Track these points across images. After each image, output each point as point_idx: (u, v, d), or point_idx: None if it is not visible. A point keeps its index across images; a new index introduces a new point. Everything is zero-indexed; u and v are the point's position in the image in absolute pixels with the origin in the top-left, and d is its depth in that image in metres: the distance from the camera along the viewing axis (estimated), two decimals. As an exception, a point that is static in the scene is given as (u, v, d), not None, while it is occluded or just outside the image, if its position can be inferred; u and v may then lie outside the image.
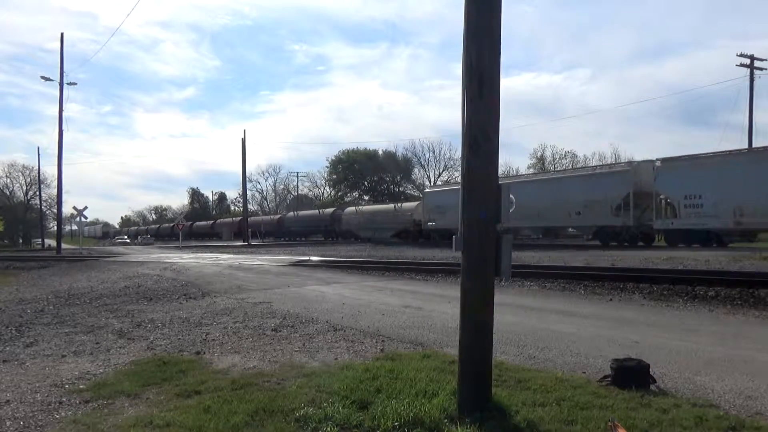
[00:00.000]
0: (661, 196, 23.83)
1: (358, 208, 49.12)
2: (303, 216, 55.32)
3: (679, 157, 24.67)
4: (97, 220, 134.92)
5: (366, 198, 70.08)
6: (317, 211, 55.43)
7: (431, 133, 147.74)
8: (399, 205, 43.15)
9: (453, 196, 32.83)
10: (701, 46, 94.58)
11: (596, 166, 34.65)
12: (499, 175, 4.12)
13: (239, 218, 62.02)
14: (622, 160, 45.09)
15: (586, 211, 26.11)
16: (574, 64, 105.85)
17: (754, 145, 33.82)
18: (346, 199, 70.38)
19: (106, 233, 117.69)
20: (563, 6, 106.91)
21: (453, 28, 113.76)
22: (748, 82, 36.97)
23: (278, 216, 59.26)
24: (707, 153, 24.15)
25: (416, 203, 40.51)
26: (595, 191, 25.71)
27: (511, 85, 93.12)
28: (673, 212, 23.40)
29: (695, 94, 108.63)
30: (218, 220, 78.23)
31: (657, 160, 25.13)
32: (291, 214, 58.32)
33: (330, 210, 52.05)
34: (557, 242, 30.43)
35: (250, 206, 69.93)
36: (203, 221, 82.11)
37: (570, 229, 29.62)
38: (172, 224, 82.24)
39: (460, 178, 4.00)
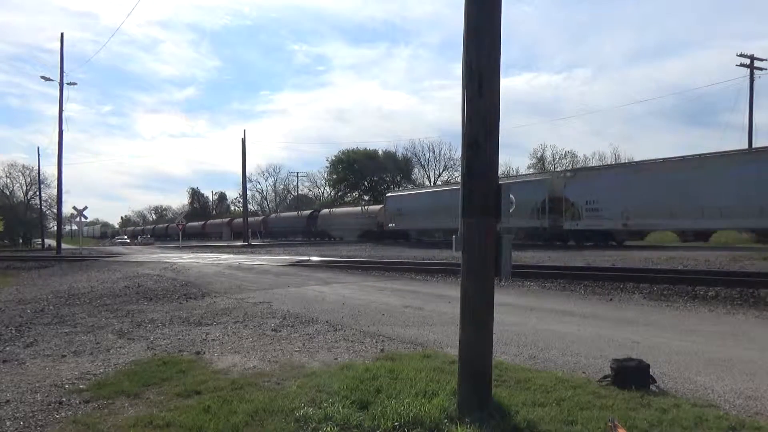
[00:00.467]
0: (569, 201, 27.42)
1: (331, 210, 52.75)
2: (284, 217, 59.60)
3: (583, 168, 30.88)
4: (97, 220, 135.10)
5: (366, 198, 70.09)
6: (296, 213, 59.55)
7: (431, 133, 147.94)
8: (366, 208, 47.71)
9: (411, 200, 39.52)
10: (701, 46, 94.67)
11: (521, 176, 39.46)
12: (500, 175, 4.11)
13: (228, 219, 65.14)
14: (623, 160, 47.77)
15: (516, 213, 29.06)
16: (574, 64, 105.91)
17: (754, 145, 33.90)
18: (346, 199, 70.42)
19: (104, 233, 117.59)
20: (563, 6, 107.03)
21: (453, 28, 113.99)
22: (748, 82, 37.04)
23: (262, 217, 63.47)
24: (604, 165, 29.60)
25: (380, 207, 43.69)
26: (519, 197, 28.53)
27: (511, 85, 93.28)
28: (578, 215, 26.96)
29: (695, 94, 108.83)
30: (208, 221, 77.84)
31: (569, 170, 30.27)
32: (273, 216, 62.94)
33: (308, 212, 56.22)
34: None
35: (250, 206, 70.04)
36: (194, 222, 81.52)
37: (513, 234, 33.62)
38: (166, 225, 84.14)
39: (460, 178, 4.00)
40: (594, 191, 26.19)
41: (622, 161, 43.68)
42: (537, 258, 17.87)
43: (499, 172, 4.19)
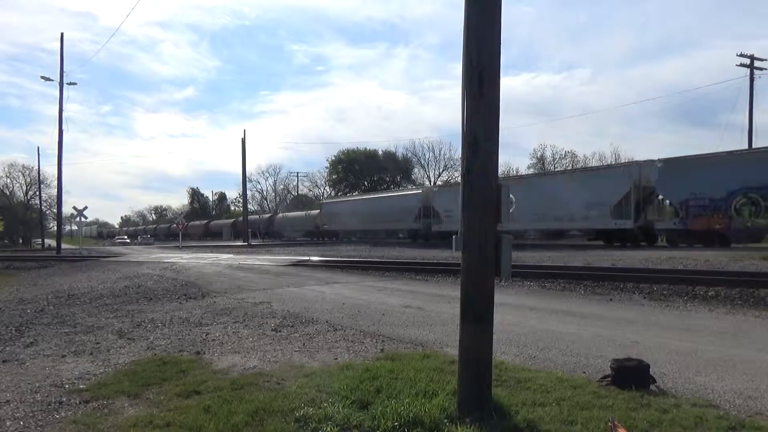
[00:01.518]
0: (434, 209, 35.70)
1: (285, 214, 63.32)
2: (251, 220, 67.24)
3: (445, 184, 41.04)
4: (97, 220, 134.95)
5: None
6: (258, 216, 68.75)
7: (430, 133, 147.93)
8: (308, 212, 56.78)
9: (339, 206, 49.98)
10: (701, 46, 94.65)
11: (403, 189, 52.94)
12: (500, 176, 4.12)
13: (206, 221, 73.03)
14: (623, 161, 50.12)
15: (399, 218, 39.11)
16: (574, 64, 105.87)
17: (754, 145, 33.98)
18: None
19: (100, 233, 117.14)
20: (562, 6, 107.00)
21: (452, 29, 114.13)
22: (748, 82, 37.04)
23: (232, 220, 72.37)
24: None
25: (318, 211, 53.48)
26: (397, 204, 40.08)
27: (510, 85, 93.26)
28: (440, 220, 34.89)
29: (695, 94, 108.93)
30: (212, 221, 78.67)
31: (435, 186, 40.82)
32: (240, 218, 70.01)
33: (268, 215, 66.06)
34: (389, 239, 42.14)
35: (250, 206, 70.28)
36: (196, 221, 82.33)
37: (400, 234, 42.35)
38: (167, 225, 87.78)
39: (460, 178, 4.00)
40: (450, 201, 33.11)
41: (623, 161, 46.34)
42: (537, 258, 17.87)
43: (499, 172, 4.20)
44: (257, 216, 67.68)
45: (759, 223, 21.11)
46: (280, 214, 62.10)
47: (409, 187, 53.21)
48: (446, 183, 45.51)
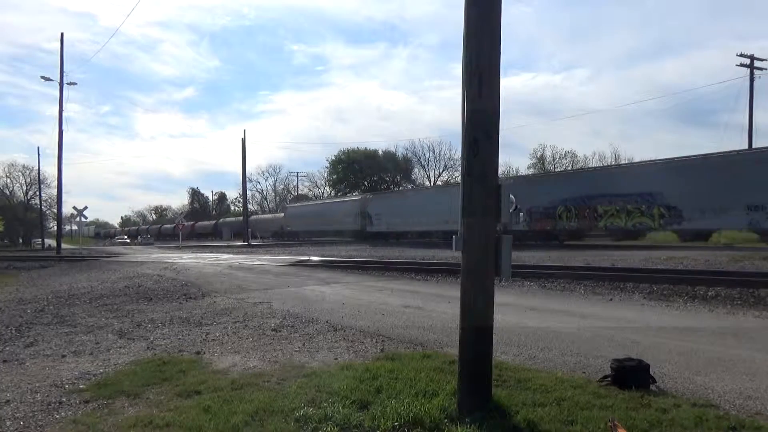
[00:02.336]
0: (368, 213, 43.65)
1: (257, 216, 70.40)
2: (229, 221, 74.71)
3: (377, 194, 50.61)
4: (98, 220, 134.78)
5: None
6: (235, 218, 74.25)
7: (430, 133, 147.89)
8: (275, 215, 65.00)
9: (299, 210, 57.86)
10: (701, 46, 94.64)
11: (347, 195, 61.48)
12: (500, 176, 4.13)
13: (191, 223, 77.27)
14: (623, 161, 55.20)
15: (341, 220, 46.97)
16: (573, 64, 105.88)
17: (754, 146, 34.00)
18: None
19: (98, 234, 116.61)
20: (561, 6, 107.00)
21: (451, 29, 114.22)
22: (748, 82, 37.04)
23: (214, 222, 77.92)
24: (384, 191, 54.25)
25: (283, 214, 60.77)
26: (342, 209, 48.20)
27: (509, 85, 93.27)
28: (371, 222, 43.36)
29: (695, 95, 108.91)
30: (219, 220, 79.34)
31: (370, 195, 49.87)
32: (221, 220, 78.38)
33: (214, 221, 75.44)
34: (335, 239, 48.07)
35: (250, 206, 70.58)
36: (204, 221, 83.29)
37: (344, 234, 48.42)
38: (160, 225, 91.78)
39: (460, 178, 4.00)
40: (377, 208, 43.02)
41: (623, 161, 51.33)
42: (537, 258, 17.87)
43: (499, 172, 4.20)
44: (234, 218, 73.84)
45: (573, 226, 28.39)
46: (253, 218, 67.96)
47: (354, 194, 61.20)
48: (379, 191, 57.93)
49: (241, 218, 67.70)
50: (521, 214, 28.49)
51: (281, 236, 58.58)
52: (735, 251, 19.36)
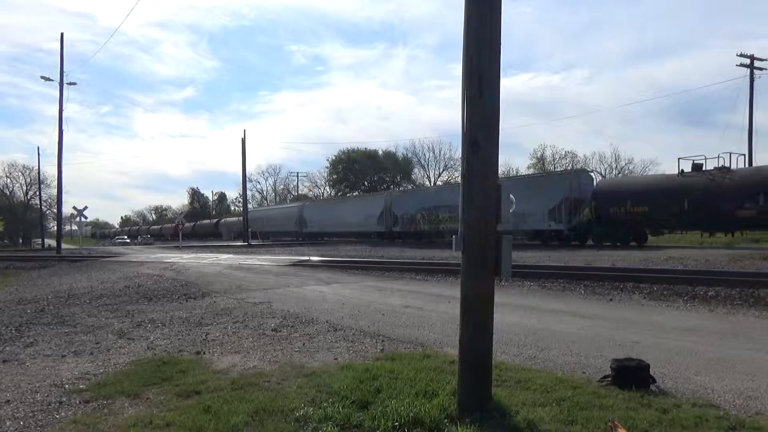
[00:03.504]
0: (304, 218, 52.82)
1: (225, 219, 76.69)
2: (203, 223, 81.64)
3: (313, 201, 64.88)
4: (98, 220, 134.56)
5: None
6: (208, 220, 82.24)
7: (429, 134, 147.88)
8: (239, 217, 69.80)
9: (258, 213, 66.57)
10: (700, 46, 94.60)
11: (284, 203, 75.03)
12: (499, 177, 4.13)
13: (192, 223, 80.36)
14: (623, 161, 59.89)
15: (285, 223, 56.37)
16: (572, 64, 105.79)
17: (754, 146, 34.16)
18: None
19: (95, 234, 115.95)
20: (560, 6, 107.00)
21: (450, 29, 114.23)
22: (747, 82, 37.05)
23: (215, 221, 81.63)
24: (317, 199, 70.70)
25: (260, 214, 70.18)
26: (286, 213, 58.11)
27: (508, 85, 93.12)
28: (306, 225, 52.33)
29: (694, 95, 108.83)
30: (222, 219, 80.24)
31: (308, 201, 62.86)
32: (194, 222, 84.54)
33: (215, 220, 79.24)
34: (283, 239, 54.89)
35: (250, 206, 70.58)
36: (205, 220, 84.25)
37: (286, 234, 57.39)
38: (161, 226, 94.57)
39: (460, 178, 4.00)
40: (309, 213, 53.14)
41: (623, 162, 57.93)
42: (537, 258, 17.87)
43: (499, 172, 4.20)
44: (208, 221, 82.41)
45: (425, 228, 37.75)
46: (223, 220, 76.71)
47: (294, 202, 71.32)
48: (315, 198, 72.91)
49: (208, 221, 73.85)
50: (397, 217, 40.76)
51: (242, 236, 69.32)
52: (735, 251, 19.37)
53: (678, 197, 23.74)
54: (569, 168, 56.27)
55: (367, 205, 45.73)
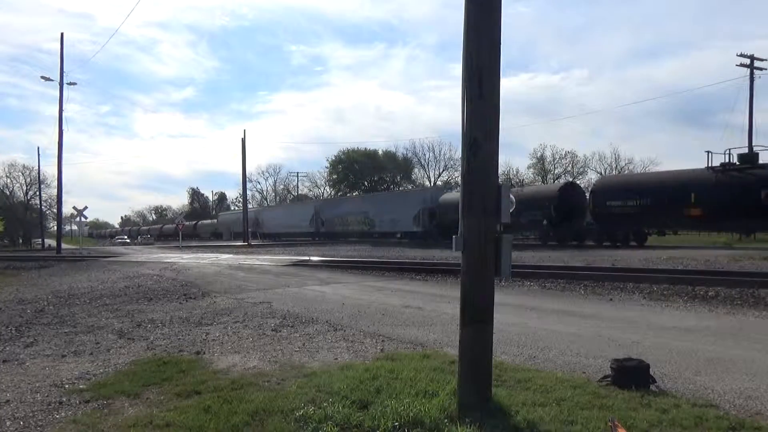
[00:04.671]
0: (259, 220, 62.33)
1: (201, 222, 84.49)
2: (204, 223, 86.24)
3: (266, 207, 78.41)
4: (97, 220, 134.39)
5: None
6: (209, 221, 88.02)
7: (428, 134, 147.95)
8: (215, 220, 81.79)
9: (225, 216, 76.13)
10: (700, 46, 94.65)
11: (236, 209, 79.57)
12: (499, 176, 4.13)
13: (193, 222, 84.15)
14: (622, 161, 62.55)
15: (251, 223, 58.50)
16: (571, 64, 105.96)
17: (754, 146, 34.06)
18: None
19: (91, 235, 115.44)
20: (559, 6, 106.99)
21: (450, 29, 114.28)
22: (748, 82, 37.04)
23: (195, 222, 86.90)
24: (268, 206, 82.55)
25: (215, 220, 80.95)
26: (235, 219, 64.82)
27: (508, 85, 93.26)
28: (262, 227, 61.84)
29: (694, 95, 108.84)
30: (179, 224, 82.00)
31: (263, 207, 77.29)
32: (195, 222, 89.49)
33: (194, 222, 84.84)
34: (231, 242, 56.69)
35: (250, 206, 70.72)
36: (207, 219, 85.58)
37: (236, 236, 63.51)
38: (161, 225, 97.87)
39: (460, 178, 4.00)
40: (263, 217, 63.97)
41: (623, 162, 60.42)
42: (537, 258, 17.87)
43: (499, 172, 4.20)
44: (209, 220, 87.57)
45: (341, 229, 49.30)
46: (201, 222, 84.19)
47: (249, 206, 77.42)
48: (267, 206, 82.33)
49: (207, 220, 79.48)
50: (323, 221, 50.37)
51: (217, 236, 74.70)
52: (735, 251, 19.37)
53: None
54: (564, 173, 57.20)
55: (302, 210, 58.83)
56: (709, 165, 23.97)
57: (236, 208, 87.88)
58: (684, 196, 23.38)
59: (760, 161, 23.85)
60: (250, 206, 69.07)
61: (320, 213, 53.01)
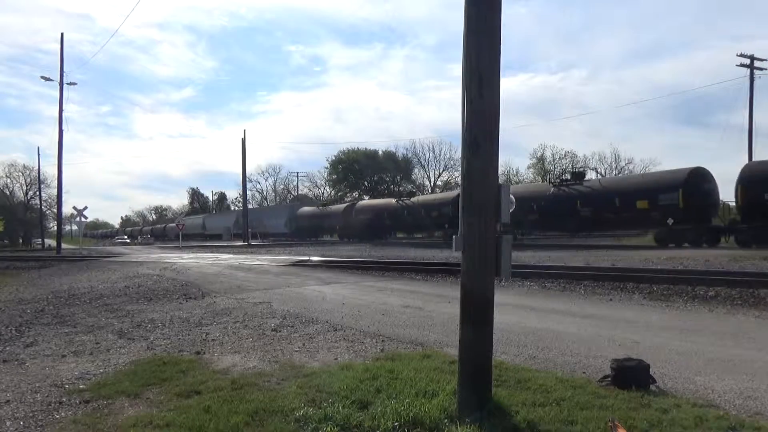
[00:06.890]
0: (205, 224, 72.21)
1: (184, 219, 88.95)
2: (168, 227, 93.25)
3: (253, 209, 72.86)
4: (97, 220, 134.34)
5: (366, 197, 70.25)
6: (176, 223, 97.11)
7: (428, 134, 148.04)
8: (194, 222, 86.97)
9: (210, 219, 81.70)
10: (700, 47, 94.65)
11: (225, 210, 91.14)
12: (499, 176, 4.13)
13: (150, 226, 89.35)
14: (622, 162, 63.03)
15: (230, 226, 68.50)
16: (570, 64, 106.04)
17: (753, 146, 34.15)
18: (346, 199, 70.70)
19: (86, 235, 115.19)
20: (559, 7, 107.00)
21: (448, 30, 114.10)
22: (747, 82, 37.04)
23: (163, 225, 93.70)
24: (255, 207, 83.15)
25: (203, 221, 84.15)
26: (229, 218, 72.74)
27: (507, 86, 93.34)
28: (206, 229, 71.50)
29: (694, 95, 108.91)
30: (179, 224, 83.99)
31: (241, 211, 68.14)
32: (170, 225, 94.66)
33: (173, 224, 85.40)
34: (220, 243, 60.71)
35: (250, 206, 70.76)
36: (170, 224, 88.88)
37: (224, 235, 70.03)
38: (164, 225, 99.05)
39: (460, 178, 4.00)
40: (256, 218, 62.69)
41: (623, 162, 61.35)
42: (537, 258, 17.87)
43: (499, 172, 4.20)
44: (174, 224, 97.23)
45: (260, 232, 58.63)
46: (183, 221, 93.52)
47: (232, 208, 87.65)
48: (254, 209, 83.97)
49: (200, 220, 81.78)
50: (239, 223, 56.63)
51: (203, 238, 79.75)
52: (735, 251, 19.36)
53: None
54: (568, 165, 57.91)
55: (228, 217, 72.18)
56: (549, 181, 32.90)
57: (236, 207, 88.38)
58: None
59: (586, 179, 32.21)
60: (250, 206, 70.78)
61: (240, 219, 63.95)
